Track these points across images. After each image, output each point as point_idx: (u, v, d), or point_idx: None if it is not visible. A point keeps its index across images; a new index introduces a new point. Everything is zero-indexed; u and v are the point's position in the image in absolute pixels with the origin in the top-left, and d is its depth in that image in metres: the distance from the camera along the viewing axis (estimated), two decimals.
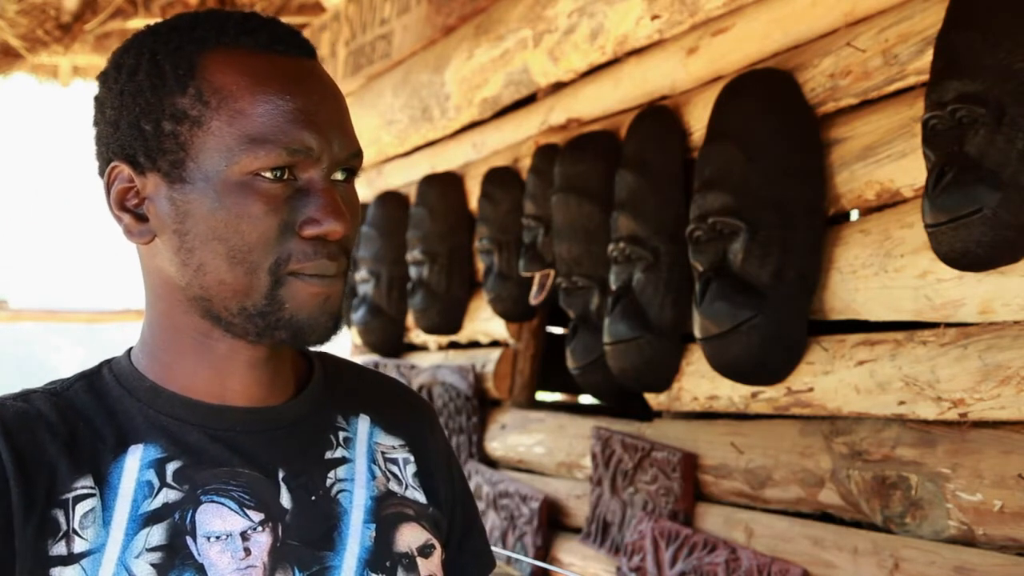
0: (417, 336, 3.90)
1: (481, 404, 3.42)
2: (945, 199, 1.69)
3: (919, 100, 1.85)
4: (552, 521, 2.98)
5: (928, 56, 1.83)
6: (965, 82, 1.68)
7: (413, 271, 3.62)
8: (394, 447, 1.11)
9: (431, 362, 3.76)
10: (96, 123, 1.03)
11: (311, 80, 1.00)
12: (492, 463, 3.38)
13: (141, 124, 0.98)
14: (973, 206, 1.66)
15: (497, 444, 3.34)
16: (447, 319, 3.59)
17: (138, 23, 4.96)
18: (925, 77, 1.82)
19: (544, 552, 2.96)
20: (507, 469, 3.31)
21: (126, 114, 0.99)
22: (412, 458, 1.12)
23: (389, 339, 3.94)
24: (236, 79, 0.97)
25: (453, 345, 3.76)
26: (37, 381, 1.05)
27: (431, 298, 3.55)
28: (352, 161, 1.01)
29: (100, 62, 5.39)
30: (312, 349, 1.09)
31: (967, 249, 1.69)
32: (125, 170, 1.00)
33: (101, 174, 1.02)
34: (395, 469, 1.10)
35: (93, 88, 1.04)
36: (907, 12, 1.94)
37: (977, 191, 1.65)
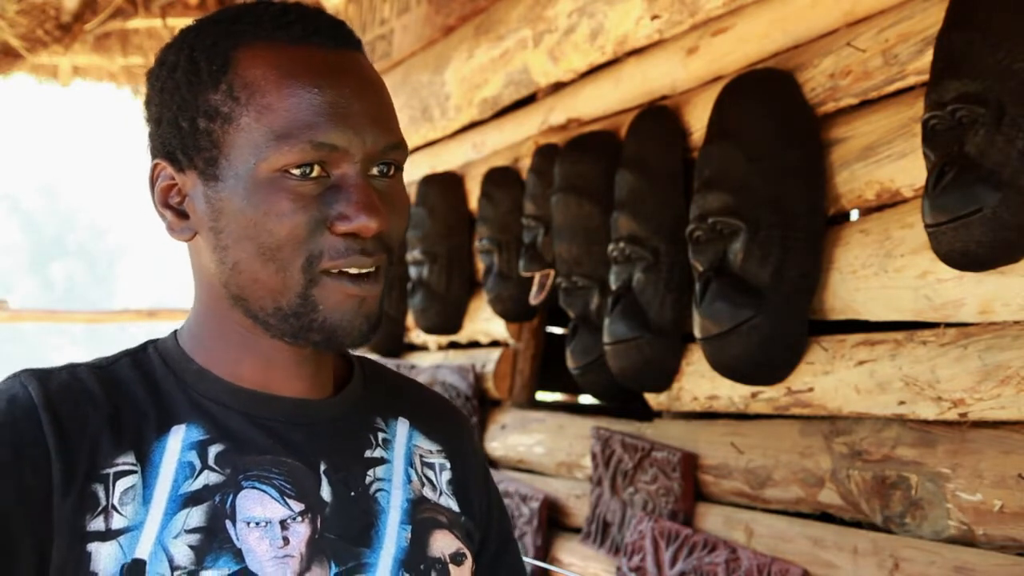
0: (417, 336, 3.90)
1: (481, 404, 3.42)
2: (945, 199, 1.69)
3: (919, 100, 1.85)
4: (552, 521, 2.98)
5: (928, 56, 1.82)
6: (965, 82, 1.68)
7: (413, 271, 3.62)
8: (432, 452, 1.11)
9: (431, 362, 3.76)
10: (146, 121, 1.02)
11: (345, 72, 0.97)
12: (492, 463, 3.37)
13: (179, 121, 0.97)
14: (973, 206, 1.66)
15: (497, 444, 3.34)
16: (447, 319, 3.59)
17: (138, 23, 4.96)
18: (925, 77, 1.82)
19: (544, 552, 2.95)
20: (507, 469, 3.31)
21: (166, 112, 0.99)
22: (448, 465, 1.11)
23: (389, 339, 3.94)
24: (265, 73, 0.95)
25: (453, 345, 3.76)
26: None
27: (431, 298, 3.55)
28: (390, 154, 0.98)
29: (100, 62, 5.42)
30: (352, 352, 1.09)
31: (967, 249, 1.68)
32: (167, 168, 1.00)
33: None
34: (431, 474, 1.09)
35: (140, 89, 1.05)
36: (907, 12, 1.94)
37: (977, 191, 1.65)
